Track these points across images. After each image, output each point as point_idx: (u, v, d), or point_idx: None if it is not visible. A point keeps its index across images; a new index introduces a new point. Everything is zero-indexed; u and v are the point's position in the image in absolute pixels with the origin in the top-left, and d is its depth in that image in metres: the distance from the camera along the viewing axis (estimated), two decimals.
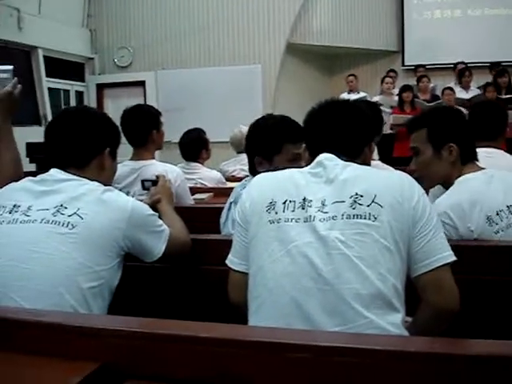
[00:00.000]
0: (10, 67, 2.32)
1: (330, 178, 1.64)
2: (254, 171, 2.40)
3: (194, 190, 3.90)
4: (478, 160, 2.27)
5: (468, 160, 2.23)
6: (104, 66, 10.97)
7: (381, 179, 1.64)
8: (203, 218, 2.78)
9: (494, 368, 1.04)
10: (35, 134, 7.70)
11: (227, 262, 1.75)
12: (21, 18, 8.77)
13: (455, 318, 1.58)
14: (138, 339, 1.25)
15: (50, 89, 9.67)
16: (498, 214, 2.06)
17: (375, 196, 1.56)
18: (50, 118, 9.22)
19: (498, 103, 3.21)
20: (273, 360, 1.13)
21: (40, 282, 1.70)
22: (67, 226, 1.76)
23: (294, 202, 1.62)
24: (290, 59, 10.15)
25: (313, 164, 1.72)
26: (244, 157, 5.22)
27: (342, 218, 1.55)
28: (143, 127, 3.29)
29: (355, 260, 1.50)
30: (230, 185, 4.26)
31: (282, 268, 1.55)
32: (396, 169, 3.00)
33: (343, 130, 1.78)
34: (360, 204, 1.56)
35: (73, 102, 10.51)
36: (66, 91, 10.50)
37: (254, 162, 2.41)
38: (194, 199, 3.71)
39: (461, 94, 8.26)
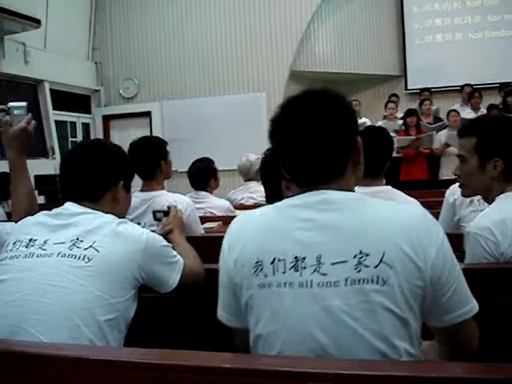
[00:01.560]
0: (24, 104, 2.36)
1: (319, 223, 1.35)
2: (274, 198, 2.38)
3: (203, 219, 3.92)
4: None
5: None
6: (110, 97, 11.08)
7: (390, 228, 1.32)
8: (214, 247, 2.78)
9: None
10: (43, 166, 7.81)
11: (219, 316, 1.55)
12: (27, 51, 8.89)
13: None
14: (155, 370, 1.25)
15: (56, 121, 9.75)
16: None
17: (384, 254, 1.28)
18: (57, 150, 9.31)
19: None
20: None
21: (57, 315, 1.70)
22: (83, 259, 1.77)
23: (284, 260, 1.34)
24: (294, 86, 10.19)
25: (299, 196, 1.43)
26: (253, 185, 5.33)
27: (346, 285, 1.28)
28: (151, 160, 3.32)
29: (364, 334, 1.27)
30: (238, 213, 4.27)
31: (282, 340, 1.34)
32: (404, 193, 3.03)
33: (321, 135, 1.40)
34: (366, 266, 1.28)
35: (79, 134, 10.61)
36: (73, 123, 10.59)
37: (274, 188, 2.38)
38: (204, 228, 3.72)
39: (469, 115, 8.31)
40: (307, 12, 10.06)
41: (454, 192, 3.04)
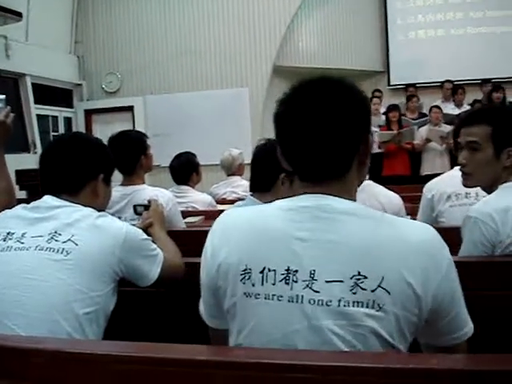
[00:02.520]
0: (3, 96, 2.35)
1: (317, 236, 1.25)
2: (259, 189, 2.39)
3: (185, 214, 3.91)
4: None
5: None
6: (92, 91, 10.99)
7: (391, 250, 1.23)
8: (195, 241, 2.77)
9: None
10: (24, 160, 7.74)
11: (201, 313, 1.50)
12: (8, 45, 8.78)
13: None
14: (134, 364, 1.25)
15: (38, 115, 9.67)
16: None
17: (383, 279, 1.20)
18: (38, 144, 9.22)
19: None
20: (270, 381, 1.13)
21: (35, 309, 1.70)
22: (62, 252, 1.77)
23: (275, 271, 1.25)
24: (278, 81, 10.19)
25: (299, 198, 1.33)
26: (235, 179, 5.33)
27: (339, 306, 1.20)
28: (131, 154, 3.31)
29: None
30: (220, 207, 4.27)
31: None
32: (387, 188, 3.04)
33: (324, 130, 1.28)
34: (363, 289, 1.20)
35: (61, 129, 10.51)
36: (55, 117, 10.49)
37: (267, 180, 2.36)
38: (186, 223, 3.72)
39: (453, 110, 8.38)
40: (291, 7, 10.05)
41: (431, 188, 3.07)
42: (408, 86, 9.99)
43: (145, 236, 1.99)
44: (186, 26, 10.35)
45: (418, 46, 11.00)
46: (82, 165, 1.99)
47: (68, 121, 10.88)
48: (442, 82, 9.46)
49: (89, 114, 10.95)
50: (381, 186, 2.99)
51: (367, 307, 1.19)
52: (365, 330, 1.19)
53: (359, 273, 1.20)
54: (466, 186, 2.37)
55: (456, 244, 2.15)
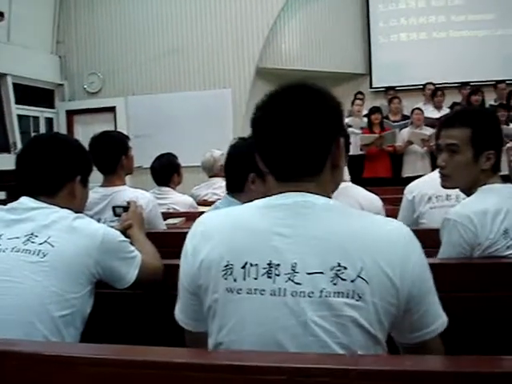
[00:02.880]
0: None
1: (299, 231, 1.30)
2: (234, 190, 2.39)
3: (165, 215, 3.90)
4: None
5: (497, 169, 2.22)
6: (74, 92, 10.92)
7: (369, 242, 1.29)
8: (176, 242, 2.76)
9: None
10: (5, 161, 7.66)
11: (176, 317, 1.51)
12: None
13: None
14: (112, 366, 1.24)
15: (19, 116, 9.58)
16: None
17: (361, 269, 1.25)
18: (19, 145, 9.14)
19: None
20: (247, 383, 1.13)
21: (11, 311, 1.68)
22: (38, 254, 1.75)
23: (257, 266, 1.28)
24: (260, 83, 10.20)
25: (277, 200, 1.36)
26: (216, 181, 5.32)
27: (321, 297, 1.24)
28: (112, 154, 3.28)
29: (335, 347, 1.24)
30: (201, 209, 4.26)
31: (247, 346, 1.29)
32: (367, 190, 3.06)
33: (303, 126, 1.34)
34: (343, 279, 1.24)
35: (42, 129, 10.43)
36: (36, 118, 10.40)
37: (235, 180, 2.37)
38: (166, 224, 3.70)
39: (433, 113, 8.42)
40: (274, 9, 10.05)
41: (412, 189, 3.09)
42: (388, 88, 10.03)
43: (122, 238, 1.98)
44: (169, 27, 10.32)
45: (401, 49, 11.06)
46: (60, 166, 1.97)
47: (49, 121, 10.79)
48: (424, 85, 9.52)
49: (70, 114, 10.87)
50: (361, 188, 3.00)
51: (347, 297, 1.23)
52: (345, 320, 1.23)
53: (339, 264, 1.24)
54: (444, 187, 2.39)
55: (436, 245, 2.16)
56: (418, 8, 11.06)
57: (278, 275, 1.26)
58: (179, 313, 1.49)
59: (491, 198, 2.11)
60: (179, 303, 1.48)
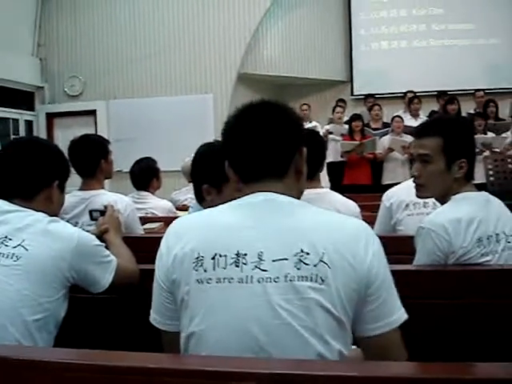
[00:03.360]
0: None
1: (265, 223, 1.40)
2: (200, 199, 2.40)
3: (144, 220, 3.88)
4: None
5: (471, 177, 2.22)
6: (54, 95, 10.86)
7: (329, 230, 1.39)
8: (154, 247, 2.75)
9: None
10: None
11: (151, 320, 1.54)
12: None
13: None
14: (85, 372, 1.23)
15: None
16: (488, 239, 2.08)
17: (323, 254, 1.33)
18: None
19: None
20: None
21: None
22: (12, 257, 1.74)
23: (225, 256, 1.36)
24: (242, 89, 10.22)
25: (247, 197, 1.47)
26: None
27: (286, 281, 1.32)
28: (91, 157, 3.26)
29: (300, 330, 1.30)
30: (180, 214, 4.24)
31: (216, 337, 1.35)
32: (346, 197, 3.07)
33: (271, 138, 1.47)
34: (306, 264, 1.33)
35: (22, 132, 10.35)
36: (15, 120, 10.32)
37: (201, 189, 2.40)
38: (145, 229, 3.69)
39: (410, 121, 8.45)
40: (256, 15, 10.08)
41: (390, 197, 3.10)
42: (367, 96, 10.09)
43: (98, 242, 1.97)
44: (151, 32, 10.31)
45: (382, 57, 11.16)
46: (38, 171, 1.96)
47: (29, 124, 10.71)
48: (405, 93, 9.59)
49: (50, 117, 10.81)
50: (338, 194, 3.01)
51: (311, 281, 1.32)
52: (310, 303, 1.31)
53: (302, 250, 1.34)
54: (418, 197, 2.42)
55: (413, 252, 2.18)
56: (400, 17, 11.18)
57: (245, 264, 1.34)
58: (154, 313, 1.53)
59: (465, 206, 2.13)
60: (154, 304, 1.53)
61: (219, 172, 2.22)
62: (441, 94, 9.42)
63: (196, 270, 1.37)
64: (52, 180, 2.00)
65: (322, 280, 1.32)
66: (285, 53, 10.77)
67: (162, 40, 10.27)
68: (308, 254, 1.33)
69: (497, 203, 2.24)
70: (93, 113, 10.56)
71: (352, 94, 11.27)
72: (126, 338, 2.01)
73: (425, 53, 10.95)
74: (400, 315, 1.41)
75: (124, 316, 2.12)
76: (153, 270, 2.08)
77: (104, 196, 3.21)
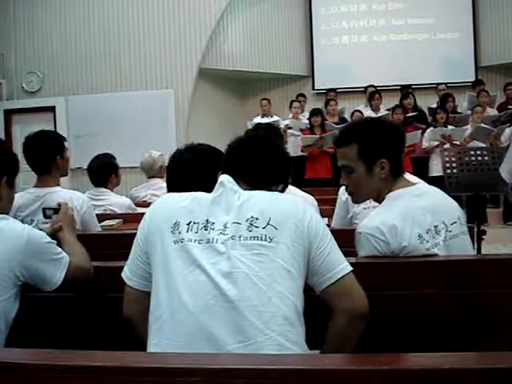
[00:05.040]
0: None
1: (229, 201, 1.69)
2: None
3: (102, 217, 3.85)
4: (405, 173, 2.28)
5: (398, 174, 2.23)
6: (12, 91, 10.68)
7: (275, 202, 1.70)
8: (112, 245, 2.73)
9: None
10: None
11: (122, 274, 1.77)
12: None
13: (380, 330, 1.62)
14: (35, 371, 1.22)
15: None
16: (427, 233, 2.09)
17: (270, 218, 1.63)
18: None
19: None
20: None
21: None
22: None
23: (198, 223, 1.65)
24: (203, 84, 10.20)
25: (216, 186, 1.75)
26: (156, 181, 5.26)
27: (240, 240, 1.61)
28: (46, 154, 3.21)
29: (254, 279, 1.56)
30: (140, 210, 4.21)
31: (184, 287, 1.58)
32: (304, 190, 3.09)
33: (258, 165, 1.86)
34: (256, 226, 1.63)
35: None
36: None
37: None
38: (103, 226, 3.65)
39: (371, 116, 8.53)
40: (216, 9, 10.05)
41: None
42: (328, 90, 10.15)
43: (48, 239, 1.95)
44: (110, 26, 10.19)
45: (342, 52, 11.25)
46: None
47: None
48: (366, 87, 9.67)
49: (8, 114, 10.63)
50: (296, 189, 3.02)
51: (261, 240, 1.61)
52: (262, 257, 1.59)
53: (252, 216, 1.65)
54: (354, 202, 2.51)
55: None
56: (360, 11, 11.27)
57: (213, 229, 1.64)
58: (126, 269, 1.77)
59: (397, 205, 2.14)
60: (129, 261, 1.77)
61: None
62: (403, 88, 9.55)
63: (173, 233, 1.65)
64: (0, 176, 1.96)
65: (271, 239, 1.61)
66: (246, 47, 10.77)
67: (121, 35, 10.16)
68: (257, 219, 1.64)
69: (433, 194, 2.25)
70: (52, 109, 10.40)
71: (313, 89, 11.34)
72: (82, 336, 2.01)
73: (385, 47, 11.08)
74: (346, 265, 1.69)
75: (82, 314, 2.10)
76: (111, 268, 2.07)
77: (59, 193, 3.17)
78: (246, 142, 1.97)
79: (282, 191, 1.91)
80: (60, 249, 1.97)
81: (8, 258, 1.78)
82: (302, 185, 3.13)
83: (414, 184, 2.25)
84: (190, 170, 2.17)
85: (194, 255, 1.60)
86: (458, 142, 7.78)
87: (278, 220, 1.64)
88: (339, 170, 2.33)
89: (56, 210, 2.34)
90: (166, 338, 1.56)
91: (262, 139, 1.98)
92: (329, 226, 3.24)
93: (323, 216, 3.22)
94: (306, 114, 8.99)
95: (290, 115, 9.12)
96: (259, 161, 1.87)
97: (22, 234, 1.84)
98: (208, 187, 1.78)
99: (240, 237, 1.62)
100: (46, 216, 2.43)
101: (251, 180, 1.82)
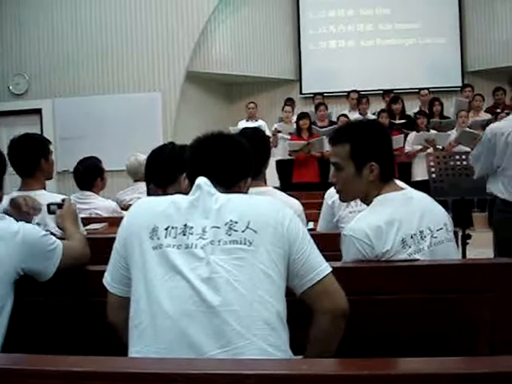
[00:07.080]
0: None
1: (207, 205, 1.68)
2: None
3: (88, 220, 3.83)
4: (396, 178, 2.31)
5: (388, 178, 2.24)
6: None
7: (253, 206, 1.71)
8: (98, 248, 2.72)
9: None
10: None
11: (103, 280, 1.78)
12: None
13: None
14: (10, 377, 1.22)
15: None
16: (412, 238, 2.10)
17: (249, 222, 1.64)
18: None
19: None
20: None
21: None
22: None
23: (176, 228, 1.64)
24: (190, 87, 10.19)
25: (193, 189, 1.74)
26: (141, 185, 5.22)
27: (219, 244, 1.61)
28: (30, 157, 3.22)
29: (235, 284, 1.56)
30: (126, 214, 4.19)
31: (164, 293, 1.57)
32: (291, 195, 3.09)
33: (221, 163, 1.82)
34: (235, 230, 1.63)
35: None
36: None
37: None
38: (88, 230, 3.64)
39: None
40: (204, 13, 10.04)
41: (332, 194, 3.12)
42: (315, 94, 10.18)
43: (43, 232, 2.03)
44: (98, 28, 10.15)
45: (330, 56, 11.27)
46: None
47: None
48: (349, 92, 9.70)
49: None
50: (281, 193, 3.03)
51: (240, 244, 1.61)
52: (242, 262, 1.59)
53: (231, 220, 1.64)
54: (341, 201, 2.55)
55: None
56: (347, 16, 11.30)
57: (191, 234, 1.63)
58: (107, 275, 1.78)
59: (385, 208, 2.15)
60: (109, 267, 1.77)
61: (165, 174, 2.47)
62: (386, 93, 9.59)
63: (151, 239, 1.64)
64: None
65: (250, 243, 1.61)
66: (234, 51, 10.78)
67: (109, 37, 10.13)
68: (236, 222, 1.64)
69: (421, 200, 2.26)
70: (38, 111, 10.35)
71: (301, 93, 11.35)
72: (66, 340, 2.03)
73: (372, 52, 11.11)
74: (325, 266, 1.71)
75: (66, 318, 2.12)
76: (96, 272, 2.08)
77: (43, 196, 3.15)
78: (205, 142, 1.90)
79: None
80: (54, 238, 2.05)
81: (8, 258, 1.86)
82: (290, 188, 3.14)
83: (402, 189, 2.27)
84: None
85: (173, 261, 1.60)
86: (440, 147, 7.82)
87: (258, 223, 1.65)
88: (326, 174, 2.38)
89: (60, 205, 2.42)
90: (147, 345, 1.56)
91: (219, 136, 1.92)
92: (315, 229, 3.26)
93: (310, 220, 3.25)
94: (294, 118, 9.00)
95: (281, 118, 9.14)
96: (221, 157, 1.83)
97: (18, 231, 1.91)
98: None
99: (219, 241, 1.61)
100: (50, 211, 2.49)
101: (219, 178, 1.78)
